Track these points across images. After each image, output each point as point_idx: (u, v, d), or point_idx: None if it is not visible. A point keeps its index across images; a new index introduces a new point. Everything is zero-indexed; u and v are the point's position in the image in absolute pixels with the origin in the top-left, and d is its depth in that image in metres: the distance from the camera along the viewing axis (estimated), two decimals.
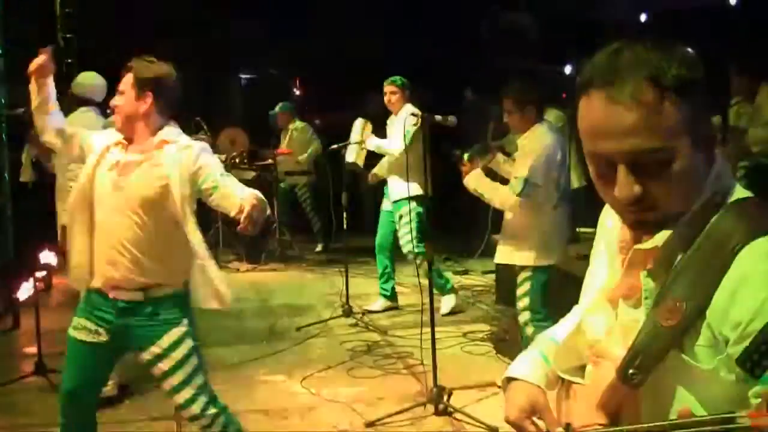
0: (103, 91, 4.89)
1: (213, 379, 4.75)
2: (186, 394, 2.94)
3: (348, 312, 6.09)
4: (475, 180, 4.27)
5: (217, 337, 5.65)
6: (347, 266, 6.23)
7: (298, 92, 11.47)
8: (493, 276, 6.92)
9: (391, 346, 5.48)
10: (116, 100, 2.91)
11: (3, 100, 6.77)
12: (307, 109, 10.04)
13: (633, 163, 1.13)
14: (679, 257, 1.17)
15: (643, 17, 7.75)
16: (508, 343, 5.11)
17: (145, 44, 3.30)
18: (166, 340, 2.87)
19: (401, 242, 6.07)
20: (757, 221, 1.12)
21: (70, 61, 8.98)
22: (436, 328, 4.33)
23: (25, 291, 5.44)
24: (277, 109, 9.15)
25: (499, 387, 4.98)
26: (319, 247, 9.21)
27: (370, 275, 7.36)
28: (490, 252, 6.89)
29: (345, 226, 6.39)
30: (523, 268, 4.29)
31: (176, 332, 2.89)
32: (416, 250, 5.86)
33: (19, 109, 5.06)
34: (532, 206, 4.13)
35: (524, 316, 4.28)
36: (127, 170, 2.85)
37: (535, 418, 1.40)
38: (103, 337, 2.89)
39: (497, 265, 5.22)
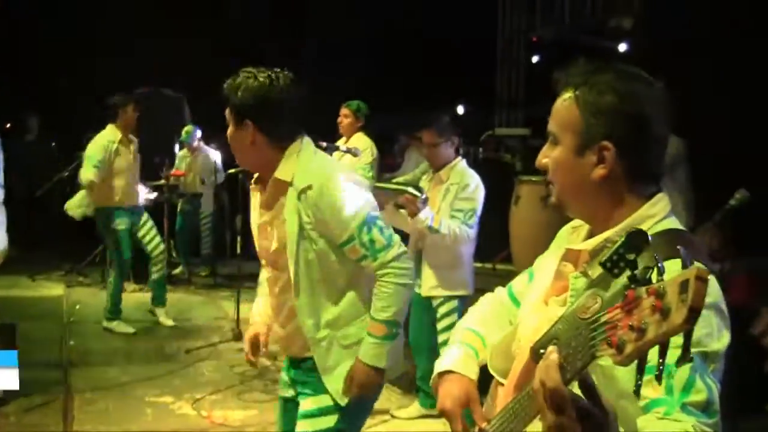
0: None
1: (102, 399, 4.84)
2: None
3: (238, 336, 6.12)
4: None
5: (104, 357, 5.65)
6: (239, 290, 6.23)
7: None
8: None
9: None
10: None
11: None
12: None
13: (549, 139, 1.47)
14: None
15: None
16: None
17: None
18: None
19: None
20: (672, 247, 1.25)
21: None
22: None
23: None
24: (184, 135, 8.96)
25: (392, 416, 5.16)
26: (205, 272, 9.22)
27: None
28: None
29: (238, 251, 6.47)
30: (450, 298, 4.28)
31: None
32: None
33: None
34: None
35: None
36: None
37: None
38: None
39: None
